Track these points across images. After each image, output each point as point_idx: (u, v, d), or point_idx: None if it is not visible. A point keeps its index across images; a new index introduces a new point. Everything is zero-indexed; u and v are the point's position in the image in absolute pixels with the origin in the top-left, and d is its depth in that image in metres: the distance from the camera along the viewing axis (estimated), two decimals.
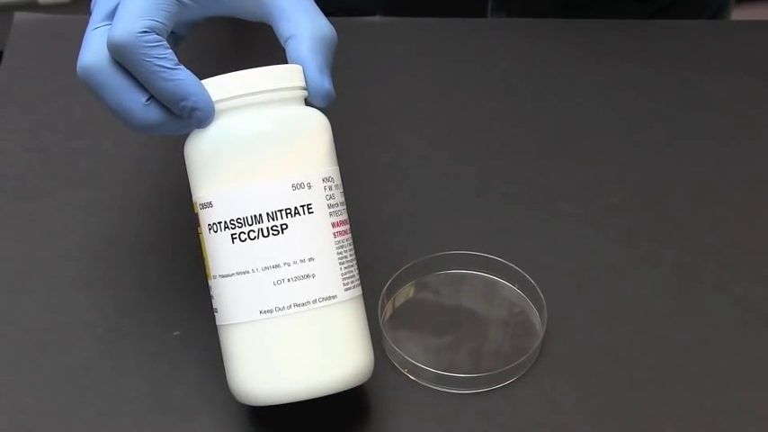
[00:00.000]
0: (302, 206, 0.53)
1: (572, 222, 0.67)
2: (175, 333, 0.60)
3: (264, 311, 0.52)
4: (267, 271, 0.52)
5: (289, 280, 0.52)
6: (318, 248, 0.53)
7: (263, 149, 0.52)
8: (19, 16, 0.79)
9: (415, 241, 0.65)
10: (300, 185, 0.53)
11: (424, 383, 0.58)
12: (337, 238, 0.54)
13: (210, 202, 0.53)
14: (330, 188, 0.54)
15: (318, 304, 0.53)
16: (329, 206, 0.53)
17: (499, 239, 0.65)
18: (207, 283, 0.55)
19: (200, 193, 0.53)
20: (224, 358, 0.55)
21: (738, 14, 0.99)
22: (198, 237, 0.54)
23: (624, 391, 0.58)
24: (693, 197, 0.68)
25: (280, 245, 0.52)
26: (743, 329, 0.61)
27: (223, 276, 0.53)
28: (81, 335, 0.60)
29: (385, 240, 0.65)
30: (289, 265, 0.52)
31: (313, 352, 0.53)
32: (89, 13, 0.55)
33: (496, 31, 0.80)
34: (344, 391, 0.54)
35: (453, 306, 0.63)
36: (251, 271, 0.52)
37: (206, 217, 0.53)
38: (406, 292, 0.63)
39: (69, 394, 0.58)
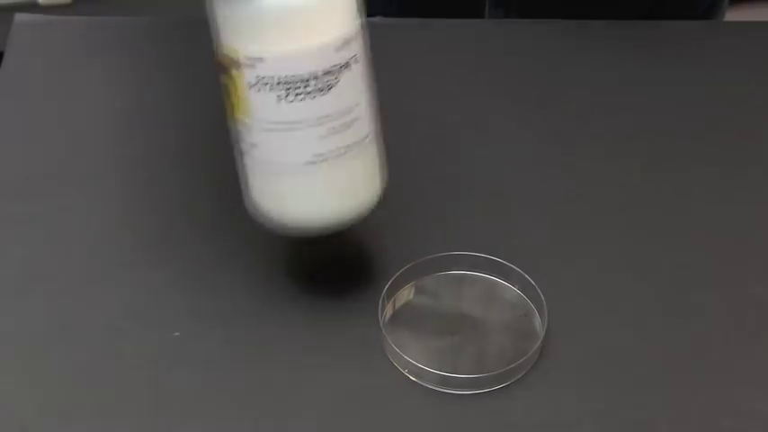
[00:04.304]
0: (351, 57, 0.55)
1: (572, 222, 0.67)
2: (176, 334, 0.60)
3: (312, 158, 0.56)
4: (317, 123, 0.55)
5: (335, 129, 0.56)
6: (359, 95, 0.56)
7: (319, 8, 0.54)
8: (19, 17, 0.79)
9: (415, 242, 0.65)
10: (349, 39, 0.55)
11: (424, 384, 0.58)
12: (369, 81, 0.56)
13: (262, 58, 0.54)
14: (364, 34, 0.56)
15: (358, 145, 0.57)
16: (364, 52, 0.56)
17: (499, 240, 0.65)
18: (233, 127, 0.57)
19: (250, 48, 0.54)
20: (256, 190, 0.58)
21: (737, 15, 0.99)
22: (224, 83, 0.56)
23: (624, 391, 0.58)
24: (693, 197, 0.68)
25: (330, 99, 0.55)
26: (743, 329, 0.61)
27: (269, 129, 0.56)
28: (81, 335, 0.60)
29: (385, 241, 0.65)
30: (336, 116, 0.55)
31: (356, 184, 0.58)
32: None
33: (497, 31, 0.80)
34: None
35: (454, 307, 0.63)
36: (301, 123, 0.55)
37: (253, 71, 0.54)
38: (407, 293, 0.63)
39: (70, 395, 0.58)
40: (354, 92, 0.56)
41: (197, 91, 0.76)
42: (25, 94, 0.74)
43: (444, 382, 0.58)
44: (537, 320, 0.61)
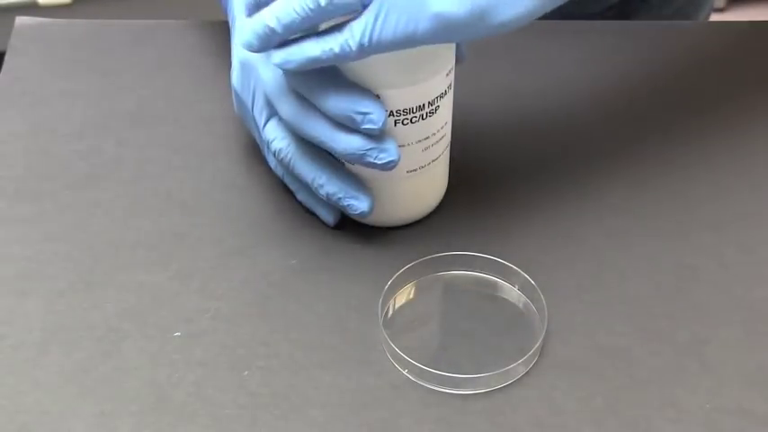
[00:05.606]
0: (449, 86, 0.61)
1: (572, 222, 0.67)
2: (176, 334, 0.60)
3: (411, 171, 0.63)
4: (420, 143, 0.62)
5: (432, 144, 0.62)
6: (450, 112, 0.63)
7: (432, 51, 0.58)
8: (20, 20, 0.80)
9: (415, 242, 0.65)
10: (451, 70, 0.61)
11: (424, 384, 0.58)
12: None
13: (378, 95, 0.59)
14: None
15: (445, 152, 0.65)
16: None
17: (499, 240, 0.65)
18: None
19: (367, 85, 0.59)
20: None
21: (737, 15, 0.99)
22: None
23: (624, 391, 0.58)
24: (693, 197, 0.68)
25: (433, 121, 0.61)
26: (743, 329, 0.61)
27: None
28: (82, 336, 0.60)
29: (385, 241, 0.65)
30: (434, 134, 0.62)
31: (438, 183, 0.66)
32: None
33: None
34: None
35: (453, 307, 0.63)
36: (407, 144, 0.61)
37: None
38: (407, 292, 0.63)
39: (70, 395, 0.58)
40: (448, 110, 0.63)
41: (197, 92, 0.76)
42: (26, 96, 0.74)
43: (444, 382, 0.58)
44: (537, 320, 0.61)
